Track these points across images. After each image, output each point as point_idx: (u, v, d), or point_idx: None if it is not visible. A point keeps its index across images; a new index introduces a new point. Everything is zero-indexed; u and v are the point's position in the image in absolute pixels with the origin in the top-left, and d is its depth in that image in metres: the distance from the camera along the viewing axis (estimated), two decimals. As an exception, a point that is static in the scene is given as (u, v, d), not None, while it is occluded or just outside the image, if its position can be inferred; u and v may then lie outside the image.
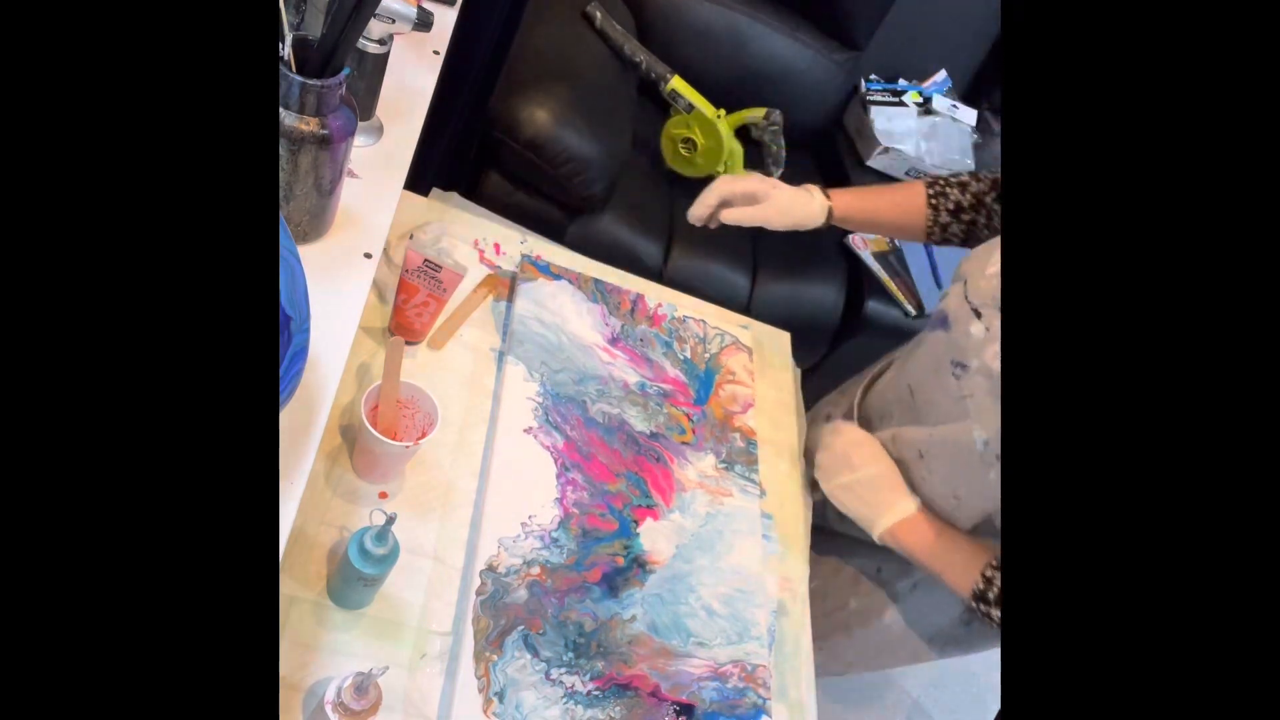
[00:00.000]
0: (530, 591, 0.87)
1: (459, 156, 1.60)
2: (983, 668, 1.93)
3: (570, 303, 1.14)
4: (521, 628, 0.84)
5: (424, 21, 0.92)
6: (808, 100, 2.13)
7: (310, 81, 0.70)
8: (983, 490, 0.91)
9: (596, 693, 0.84)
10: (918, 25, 2.16)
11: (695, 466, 1.07)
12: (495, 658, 0.81)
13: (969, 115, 2.21)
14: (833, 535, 1.12)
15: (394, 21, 0.88)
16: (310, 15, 0.89)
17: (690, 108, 1.80)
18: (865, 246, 1.94)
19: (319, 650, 0.77)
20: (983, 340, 0.88)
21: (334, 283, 0.80)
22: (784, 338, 1.33)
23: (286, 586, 0.78)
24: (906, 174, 2.15)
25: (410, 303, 0.95)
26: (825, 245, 1.94)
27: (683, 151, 1.85)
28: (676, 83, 1.80)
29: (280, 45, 0.69)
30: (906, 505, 0.98)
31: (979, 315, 0.89)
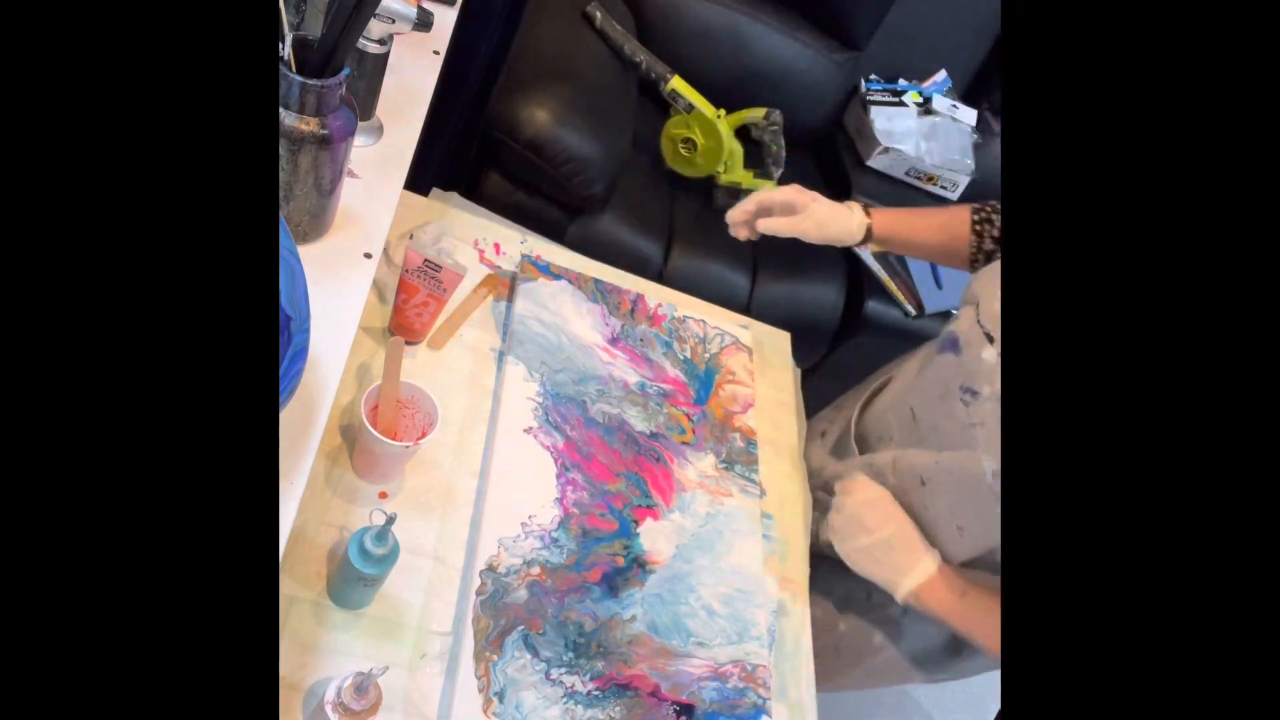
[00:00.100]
0: (530, 591, 0.87)
1: (459, 156, 1.60)
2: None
3: (570, 303, 1.14)
4: (521, 628, 0.84)
5: (424, 21, 0.92)
6: (808, 100, 2.13)
7: (310, 81, 0.70)
8: (989, 523, 0.88)
9: (596, 693, 0.84)
10: (918, 25, 2.16)
11: (695, 466, 1.07)
12: (495, 658, 0.81)
13: (969, 115, 2.21)
14: (823, 557, 1.09)
15: (394, 21, 0.88)
16: (310, 15, 0.89)
17: (690, 108, 1.80)
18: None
19: (319, 650, 0.77)
20: (995, 366, 0.86)
21: (334, 283, 0.80)
22: (784, 338, 1.33)
23: (286, 586, 0.78)
24: (906, 174, 2.15)
25: (410, 303, 0.95)
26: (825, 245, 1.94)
27: (683, 151, 1.85)
28: (676, 83, 1.80)
29: (280, 45, 0.69)
30: (927, 566, 0.93)
31: (992, 340, 0.87)
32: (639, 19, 1.98)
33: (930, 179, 2.16)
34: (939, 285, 1.94)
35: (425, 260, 0.92)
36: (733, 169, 1.86)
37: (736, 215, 1.09)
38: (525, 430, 0.98)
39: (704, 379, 1.17)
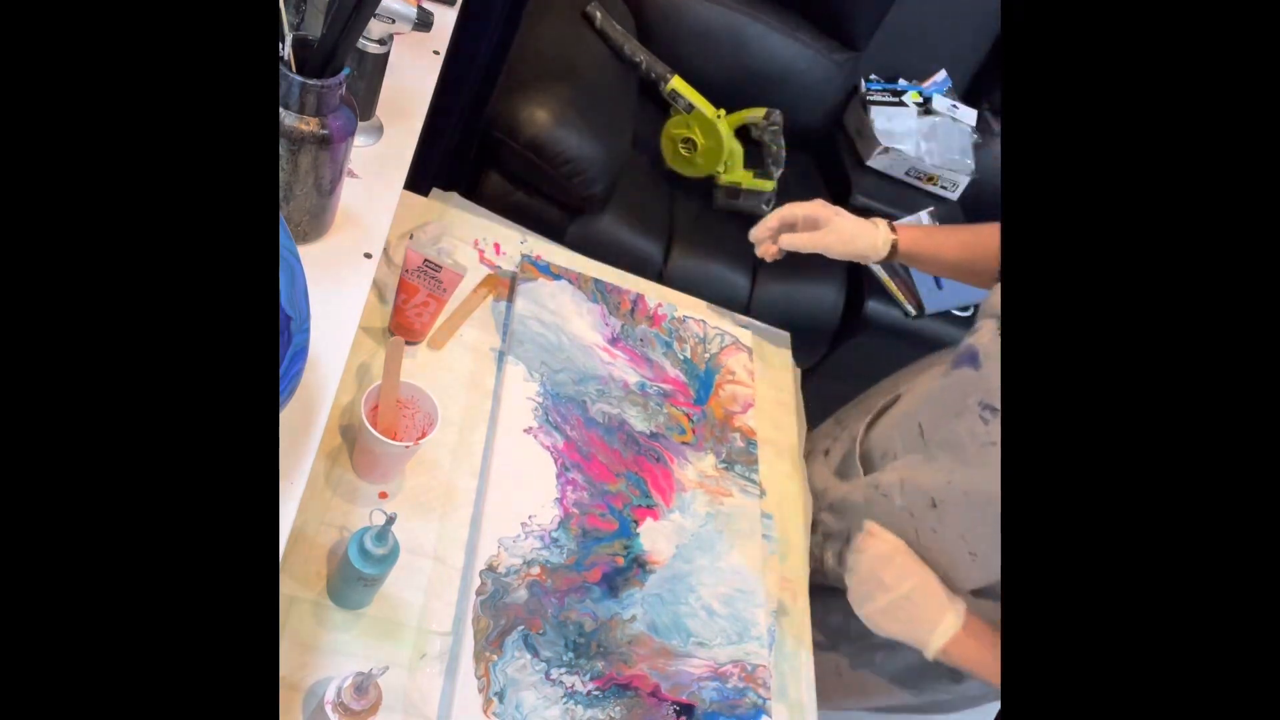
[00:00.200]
0: (530, 591, 0.87)
1: (459, 156, 1.60)
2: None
3: (570, 303, 1.14)
4: (521, 628, 0.84)
5: (424, 21, 0.92)
6: (808, 100, 2.13)
7: (310, 81, 0.70)
8: None
9: (596, 693, 0.84)
10: (918, 25, 2.16)
11: (695, 466, 1.07)
12: (495, 658, 0.81)
13: (969, 115, 2.21)
14: (831, 591, 1.06)
15: (394, 21, 0.88)
16: (310, 15, 0.89)
17: (690, 108, 1.80)
18: (865, 246, 1.94)
19: (319, 650, 0.77)
20: None
21: (334, 283, 0.80)
22: (784, 338, 1.33)
23: (286, 586, 0.78)
24: (906, 174, 2.15)
25: (410, 303, 0.95)
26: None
27: (683, 151, 1.85)
28: (676, 83, 1.80)
29: (280, 45, 0.69)
30: (953, 620, 0.89)
31: None
32: (639, 19, 1.98)
33: (930, 179, 2.16)
34: (939, 286, 1.94)
35: (425, 260, 0.92)
36: (733, 169, 1.86)
37: (759, 233, 1.07)
38: (525, 430, 0.98)
39: (704, 379, 1.17)
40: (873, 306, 1.93)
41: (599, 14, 1.78)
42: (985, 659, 0.88)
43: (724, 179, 1.86)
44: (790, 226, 1.07)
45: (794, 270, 1.88)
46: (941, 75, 2.25)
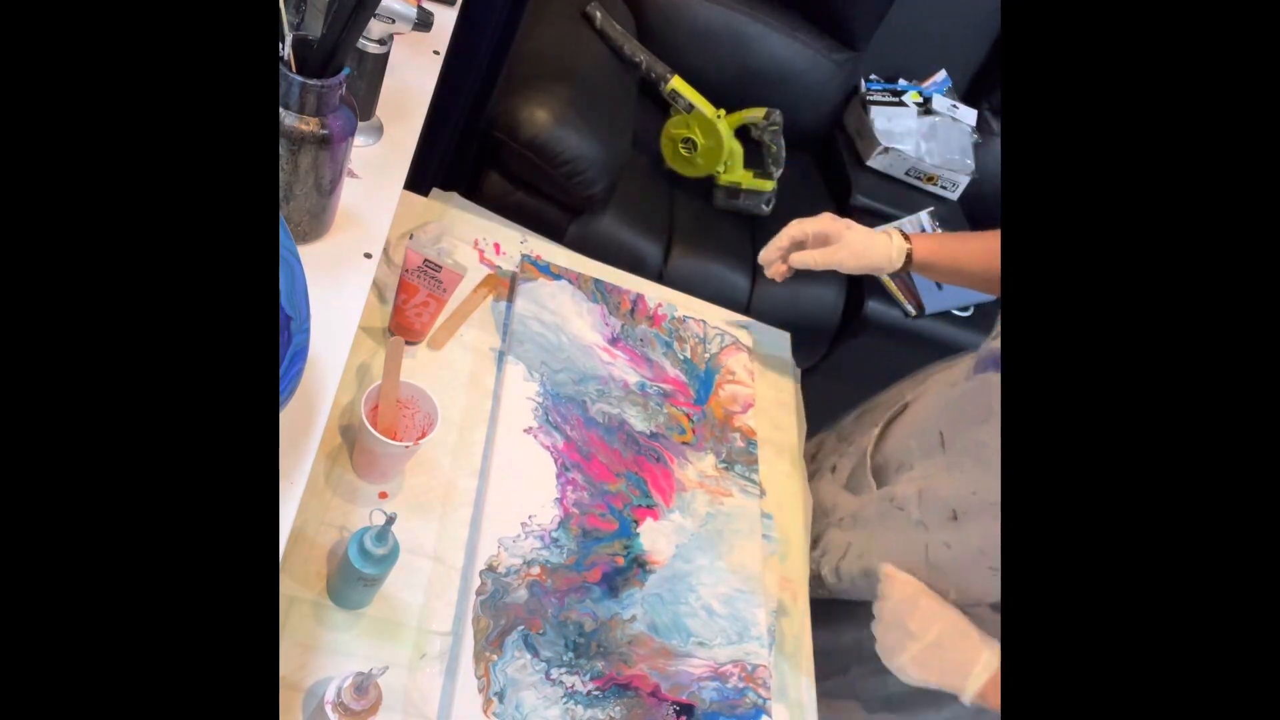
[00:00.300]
0: (530, 591, 0.87)
1: (459, 156, 1.60)
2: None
3: (570, 303, 1.14)
4: (521, 628, 0.84)
5: (424, 21, 0.92)
6: (808, 100, 2.13)
7: (310, 81, 0.70)
8: None
9: (596, 693, 0.84)
10: (918, 25, 2.16)
11: (695, 466, 1.07)
12: (495, 658, 0.81)
13: (969, 115, 2.21)
14: (829, 604, 1.04)
15: (394, 21, 0.88)
16: (310, 15, 0.89)
17: (690, 108, 1.80)
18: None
19: (319, 650, 0.77)
20: None
21: (334, 283, 0.80)
22: (784, 338, 1.33)
23: (286, 586, 0.78)
24: (906, 174, 2.15)
25: (410, 303, 0.95)
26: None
27: (683, 151, 1.85)
28: (676, 83, 1.80)
29: (280, 45, 0.69)
30: (989, 660, 0.85)
31: None
32: (639, 19, 1.98)
33: (930, 179, 2.16)
34: (939, 286, 1.94)
35: (425, 260, 0.92)
36: (733, 169, 1.86)
37: (769, 254, 1.03)
38: (525, 430, 0.98)
39: (704, 379, 1.17)
40: (873, 306, 1.93)
41: (599, 14, 1.78)
42: None
43: (724, 179, 1.86)
44: (800, 244, 1.03)
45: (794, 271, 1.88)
46: (941, 75, 2.25)
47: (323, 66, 0.71)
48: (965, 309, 1.99)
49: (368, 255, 0.84)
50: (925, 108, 2.18)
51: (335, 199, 0.81)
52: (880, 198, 2.10)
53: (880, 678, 0.99)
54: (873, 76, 2.21)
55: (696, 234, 1.82)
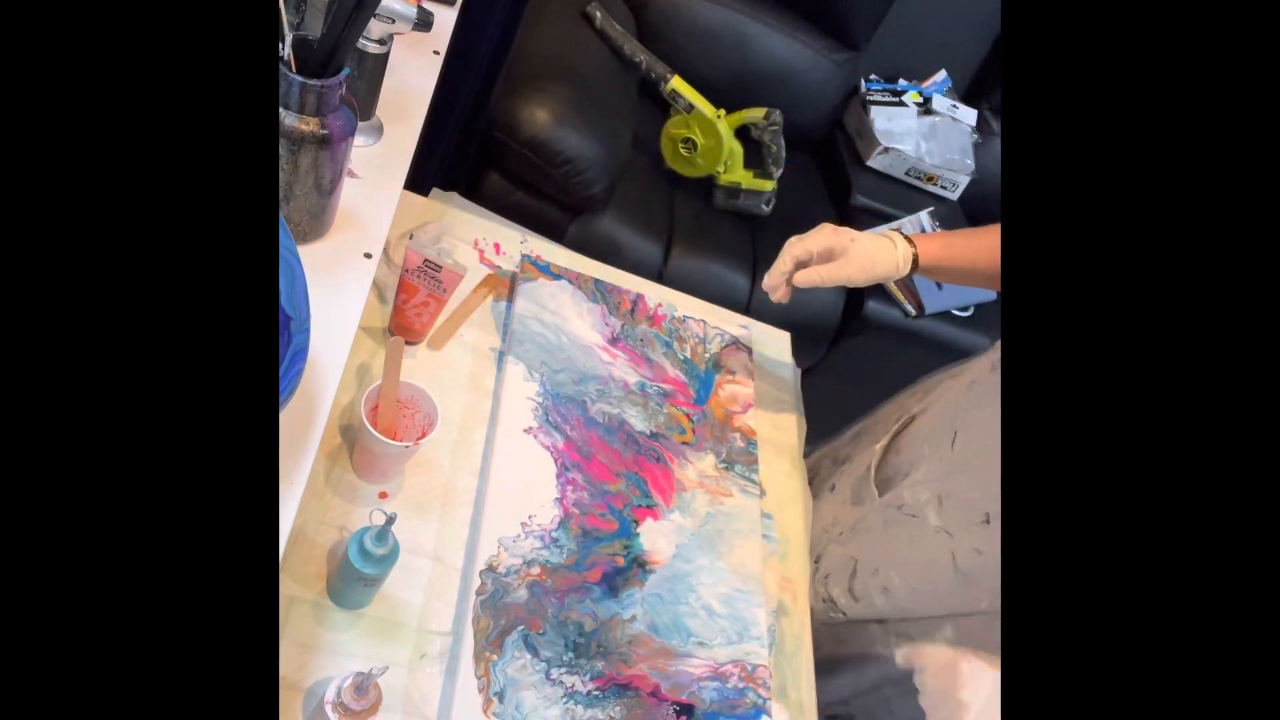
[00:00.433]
0: (530, 591, 0.87)
1: (459, 156, 1.60)
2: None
3: (570, 303, 1.14)
4: (521, 628, 0.84)
5: (424, 21, 0.92)
6: (808, 100, 2.13)
7: (310, 81, 0.70)
8: None
9: (596, 693, 0.84)
10: (918, 25, 2.16)
11: (695, 466, 1.07)
12: (495, 658, 0.81)
13: (969, 115, 2.21)
14: (837, 658, 1.00)
15: (394, 21, 0.88)
16: (310, 15, 0.89)
17: (690, 108, 1.80)
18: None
19: (319, 650, 0.77)
20: None
21: (334, 283, 0.80)
22: (784, 338, 1.33)
23: (286, 586, 0.78)
24: (906, 174, 2.15)
25: (410, 303, 0.95)
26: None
27: (683, 151, 1.85)
28: (676, 83, 1.80)
29: (280, 45, 0.69)
30: None
31: None
32: (639, 19, 1.98)
33: (930, 179, 2.16)
34: (939, 285, 1.94)
35: (425, 260, 0.92)
36: (733, 169, 1.86)
37: (774, 279, 0.98)
38: (525, 430, 0.98)
39: (704, 379, 1.17)
40: (873, 306, 1.93)
41: (599, 14, 1.78)
42: None
43: (724, 179, 1.86)
44: (803, 263, 0.99)
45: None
46: (941, 75, 2.25)
47: (323, 66, 0.71)
48: (965, 309, 1.99)
49: (368, 255, 0.84)
50: (925, 108, 2.18)
51: (335, 199, 0.81)
52: (880, 198, 2.10)
53: (912, 699, 0.98)
54: (873, 76, 2.21)
55: (696, 234, 1.82)
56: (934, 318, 1.96)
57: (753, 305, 1.81)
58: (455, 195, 1.20)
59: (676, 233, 1.80)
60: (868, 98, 2.16)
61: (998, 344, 0.93)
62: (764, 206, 1.88)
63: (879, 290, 1.94)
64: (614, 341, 1.13)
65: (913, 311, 1.94)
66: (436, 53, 1.10)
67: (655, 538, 0.97)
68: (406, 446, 0.82)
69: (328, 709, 0.69)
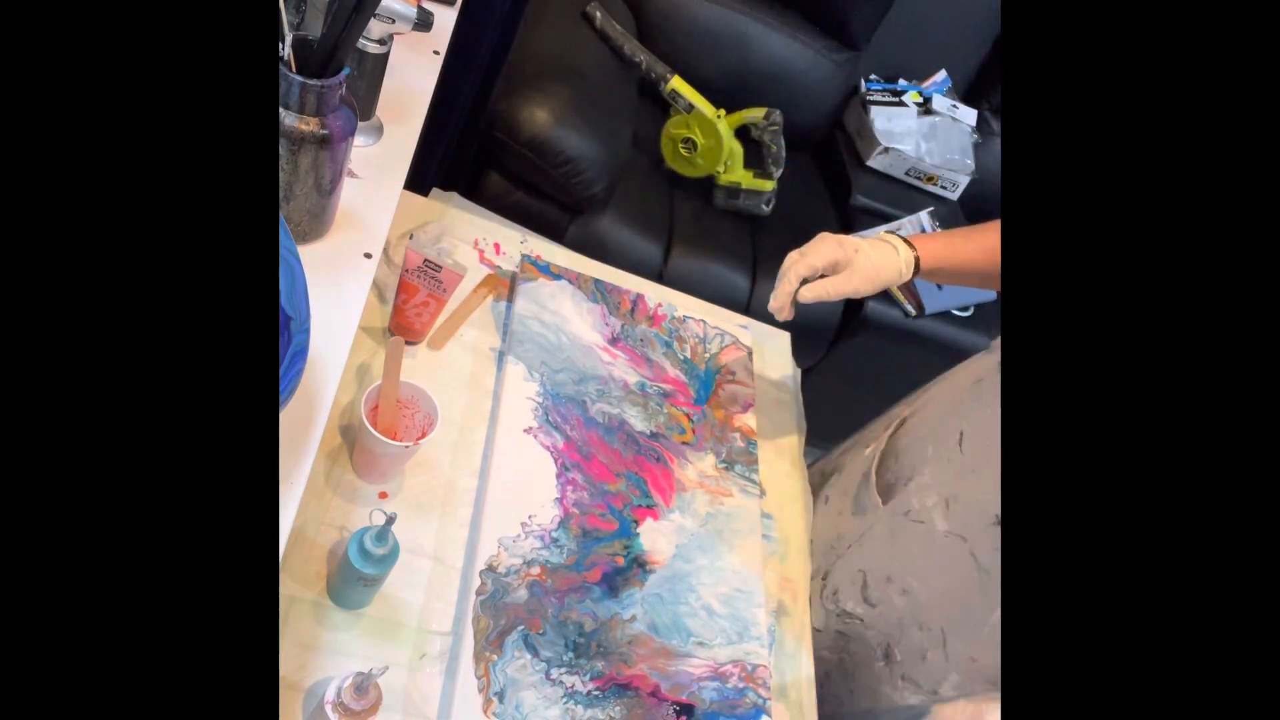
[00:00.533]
0: (530, 591, 0.87)
1: (459, 156, 1.60)
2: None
3: (570, 303, 1.14)
4: (521, 628, 0.84)
5: (424, 21, 0.92)
6: (808, 100, 2.13)
7: (310, 81, 0.70)
8: None
9: (596, 693, 0.84)
10: (918, 25, 2.16)
11: (695, 466, 1.07)
12: (495, 658, 0.81)
13: (969, 115, 2.21)
14: (849, 641, 1.00)
15: (394, 21, 0.88)
16: (310, 15, 0.89)
17: (690, 108, 1.80)
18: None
19: (319, 650, 0.77)
20: None
21: (334, 283, 0.80)
22: (784, 338, 1.33)
23: (286, 586, 0.78)
24: (906, 174, 2.15)
25: (410, 303, 0.95)
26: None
27: (683, 151, 1.85)
28: (676, 83, 1.80)
29: (280, 45, 0.69)
30: None
31: None
32: (639, 19, 1.98)
33: (930, 179, 2.16)
34: (939, 286, 1.94)
35: (425, 260, 0.92)
36: (733, 169, 1.86)
37: (781, 300, 0.95)
38: (525, 430, 0.98)
39: (704, 379, 1.17)
40: (873, 306, 1.93)
41: (599, 14, 1.78)
42: None
43: (724, 179, 1.87)
44: (809, 280, 0.96)
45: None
46: (941, 75, 2.25)
47: (323, 66, 0.71)
48: (965, 309, 1.99)
49: (368, 255, 0.84)
50: (925, 108, 2.18)
51: (335, 199, 0.81)
52: (880, 198, 2.10)
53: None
54: (873, 76, 2.21)
55: (696, 234, 1.82)
56: (934, 318, 1.96)
57: (753, 305, 1.81)
58: (455, 195, 1.20)
59: (676, 233, 1.80)
60: (868, 98, 2.16)
61: (998, 341, 0.93)
62: (764, 206, 1.88)
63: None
64: (614, 341, 1.13)
65: (913, 312, 1.94)
66: (436, 53, 1.10)
67: (655, 538, 0.97)
68: (406, 446, 0.82)
69: (328, 709, 0.69)
